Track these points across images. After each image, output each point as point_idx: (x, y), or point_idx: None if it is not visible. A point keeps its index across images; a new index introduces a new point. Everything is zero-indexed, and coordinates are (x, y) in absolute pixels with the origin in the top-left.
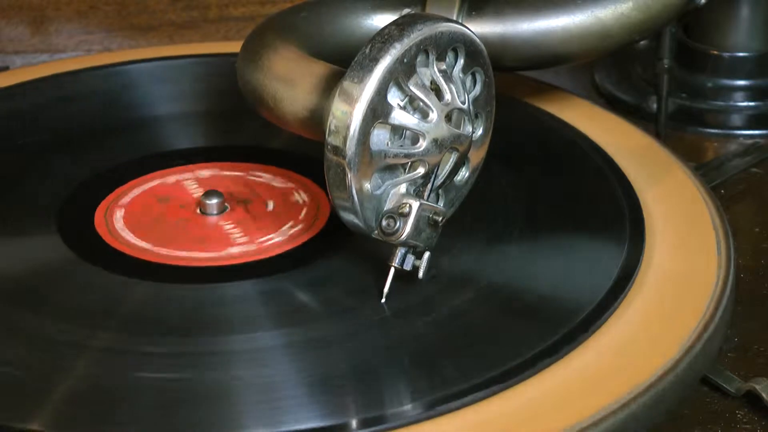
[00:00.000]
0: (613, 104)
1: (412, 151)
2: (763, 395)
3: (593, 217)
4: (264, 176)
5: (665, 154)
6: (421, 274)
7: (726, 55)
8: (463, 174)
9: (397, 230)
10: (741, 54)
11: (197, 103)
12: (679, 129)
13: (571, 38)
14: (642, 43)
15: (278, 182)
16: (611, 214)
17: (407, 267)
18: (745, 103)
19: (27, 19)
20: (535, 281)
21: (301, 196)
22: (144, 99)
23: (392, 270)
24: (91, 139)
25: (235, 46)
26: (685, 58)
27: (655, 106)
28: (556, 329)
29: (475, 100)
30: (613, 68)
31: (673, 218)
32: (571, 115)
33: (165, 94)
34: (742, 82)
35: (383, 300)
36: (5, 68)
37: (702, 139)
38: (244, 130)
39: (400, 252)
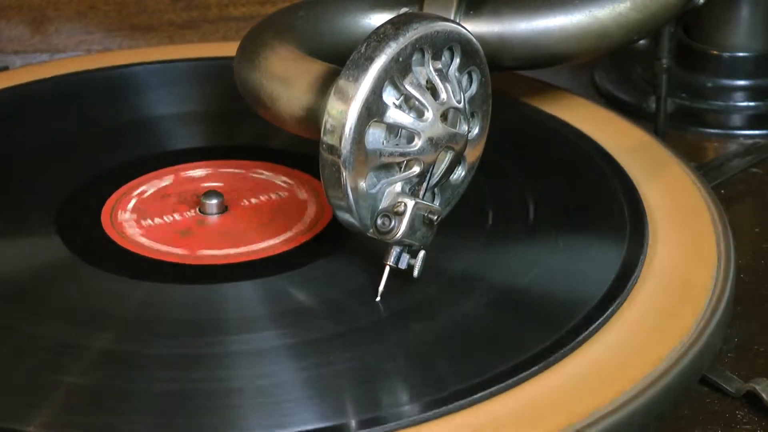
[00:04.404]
0: (613, 104)
1: (408, 149)
2: (763, 395)
3: (593, 216)
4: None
5: (665, 154)
6: (416, 272)
7: (726, 55)
8: (459, 173)
9: (392, 229)
10: (741, 54)
11: (197, 103)
12: (679, 129)
13: (569, 38)
14: (642, 42)
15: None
16: (611, 213)
17: (402, 266)
18: (745, 103)
19: (27, 19)
20: (535, 281)
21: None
22: (144, 99)
23: (387, 268)
24: (90, 139)
25: (234, 47)
26: (685, 58)
27: (654, 106)
28: (556, 329)
29: (471, 99)
30: (613, 68)
31: (673, 218)
32: (571, 114)
33: (165, 95)
34: (742, 82)
35: (378, 298)
36: (5, 68)
37: (702, 139)
38: (243, 130)
39: (395, 251)
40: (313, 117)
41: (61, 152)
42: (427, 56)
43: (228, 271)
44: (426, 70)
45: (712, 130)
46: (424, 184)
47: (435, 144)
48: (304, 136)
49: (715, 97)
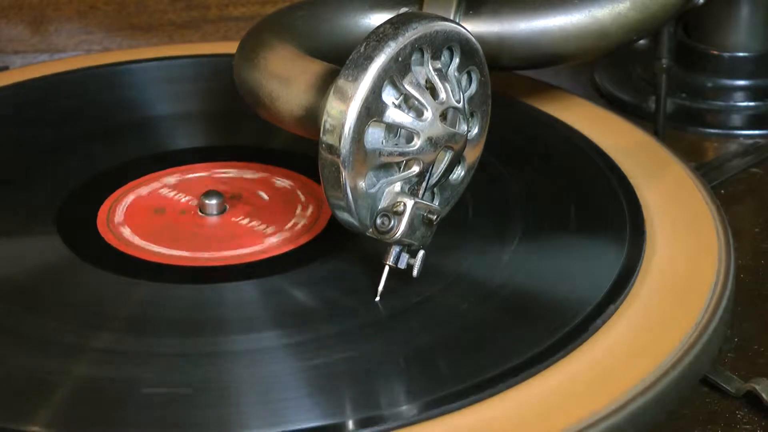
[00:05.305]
0: (613, 104)
1: (407, 149)
2: (763, 395)
3: (593, 216)
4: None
5: (665, 154)
6: (415, 272)
7: (726, 55)
8: (459, 173)
9: (392, 229)
10: (741, 54)
11: (197, 103)
12: (679, 129)
13: (568, 38)
14: (642, 42)
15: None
16: (611, 213)
17: (401, 265)
18: (745, 103)
19: (27, 19)
20: (535, 281)
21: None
22: (144, 99)
23: (387, 268)
24: (90, 139)
25: (234, 46)
26: (685, 58)
27: (654, 106)
28: (556, 329)
29: (471, 99)
30: (613, 68)
31: (673, 218)
32: (570, 115)
33: (165, 95)
34: (742, 82)
35: (377, 298)
36: (5, 68)
37: (702, 139)
38: (243, 130)
39: (394, 250)
40: (312, 116)
41: (61, 152)
42: (427, 56)
43: (228, 271)
44: (425, 69)
45: (712, 130)
46: (424, 184)
47: (434, 144)
48: (303, 135)
49: (715, 97)
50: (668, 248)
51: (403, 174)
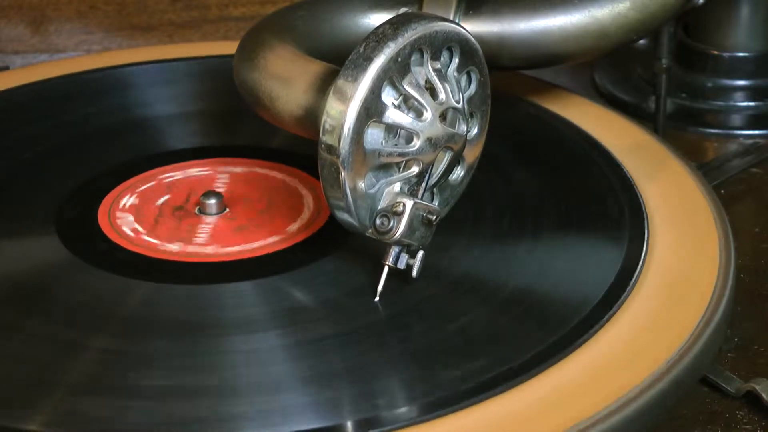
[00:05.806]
0: (613, 104)
1: (406, 150)
2: (763, 395)
3: (594, 216)
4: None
5: (666, 153)
6: (414, 272)
7: (726, 55)
8: (458, 173)
9: (391, 229)
10: (741, 54)
11: (197, 103)
12: (679, 129)
13: (568, 38)
14: (642, 42)
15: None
16: (612, 213)
17: (401, 266)
18: (745, 103)
19: (27, 19)
20: (535, 281)
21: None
22: (144, 99)
23: (386, 269)
24: (90, 139)
25: (234, 46)
26: (685, 58)
27: (654, 106)
28: (556, 329)
29: (470, 100)
30: (613, 68)
31: (674, 218)
32: (571, 113)
33: (165, 95)
34: (742, 82)
35: (377, 298)
36: (5, 68)
37: (702, 139)
38: (243, 129)
39: (394, 251)
40: (312, 117)
41: (61, 152)
42: (426, 56)
43: (228, 271)
44: (425, 70)
45: (712, 130)
46: (423, 184)
47: (434, 144)
48: (303, 135)
49: (715, 97)
50: (668, 248)
51: (402, 174)
